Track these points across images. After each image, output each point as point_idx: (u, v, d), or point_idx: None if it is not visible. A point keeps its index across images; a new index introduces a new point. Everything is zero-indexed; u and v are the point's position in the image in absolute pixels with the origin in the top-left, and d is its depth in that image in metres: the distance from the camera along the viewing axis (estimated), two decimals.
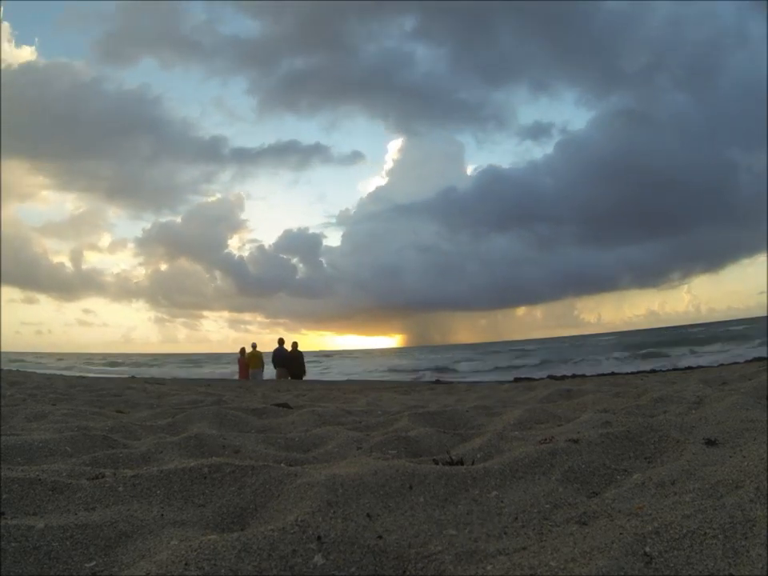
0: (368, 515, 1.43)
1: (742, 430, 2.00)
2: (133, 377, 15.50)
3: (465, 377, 20.49)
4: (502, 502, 1.53)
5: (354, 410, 4.30)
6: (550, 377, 12.59)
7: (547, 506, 1.49)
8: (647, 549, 1.10)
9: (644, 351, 27.43)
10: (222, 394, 6.53)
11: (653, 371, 12.31)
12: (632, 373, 12.13)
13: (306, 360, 15.36)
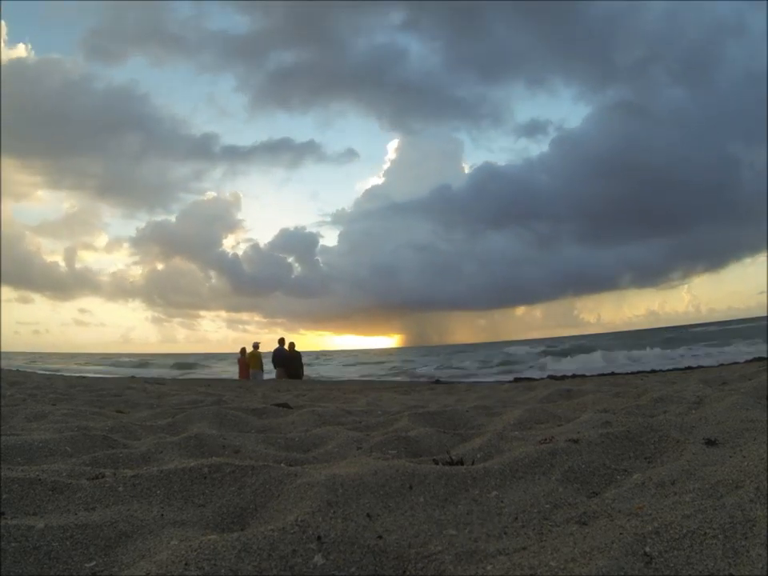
0: (368, 515, 1.43)
1: (742, 430, 2.00)
2: (133, 377, 15.50)
3: (465, 377, 20.47)
4: (501, 502, 1.53)
5: (353, 410, 4.30)
6: (550, 377, 12.59)
7: (547, 506, 1.49)
8: (647, 549, 1.10)
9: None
10: (221, 393, 6.53)
11: (653, 371, 12.31)
12: (632, 373, 12.12)
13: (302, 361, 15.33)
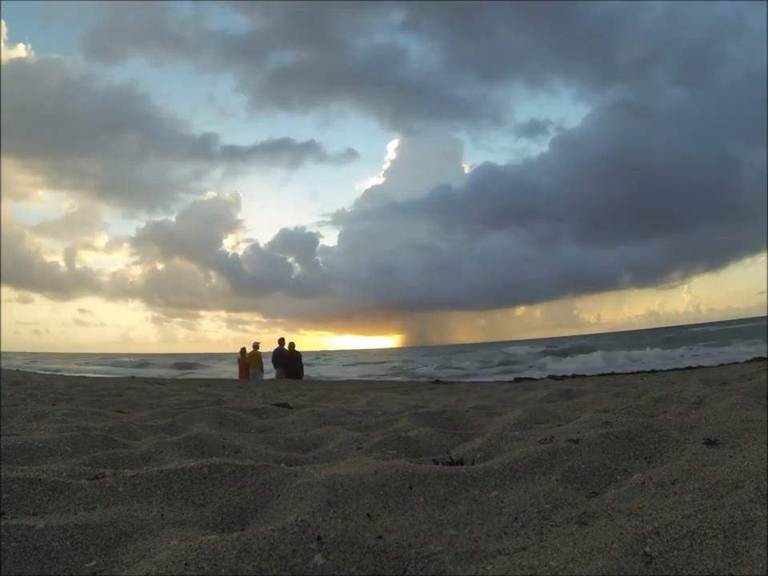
0: (368, 515, 1.43)
1: (742, 430, 2.00)
2: (133, 377, 15.50)
3: (465, 377, 20.46)
4: (501, 502, 1.53)
5: (353, 410, 4.30)
6: (550, 377, 12.60)
7: (547, 506, 1.49)
8: (647, 549, 1.10)
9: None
10: (221, 393, 6.53)
11: (653, 371, 12.31)
12: (632, 373, 12.12)
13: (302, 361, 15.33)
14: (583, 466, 1.78)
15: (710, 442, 1.88)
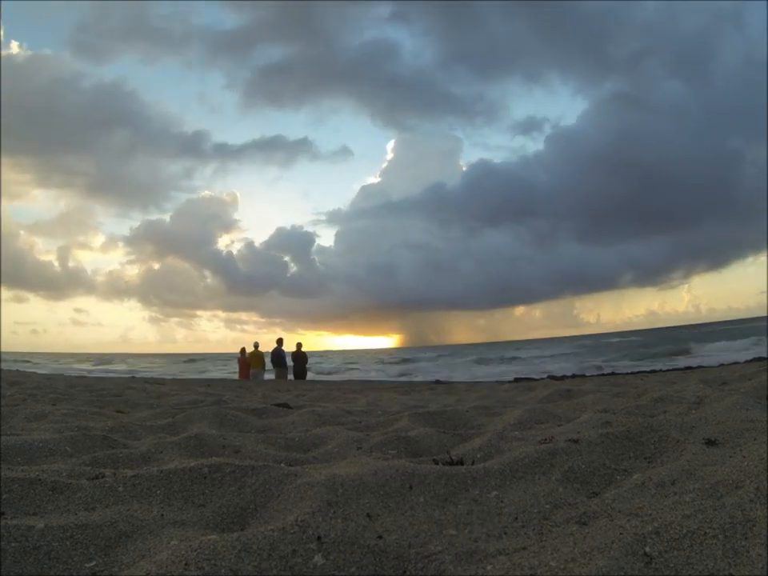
0: (368, 515, 1.43)
1: (742, 430, 2.00)
2: (133, 377, 15.50)
3: (465, 377, 20.45)
4: (501, 501, 1.53)
5: (353, 410, 4.30)
6: (550, 377, 12.60)
7: (547, 506, 1.49)
8: (647, 549, 1.10)
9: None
10: (221, 393, 6.53)
11: (653, 371, 12.31)
12: (632, 373, 12.13)
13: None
14: (583, 466, 1.78)
15: (710, 442, 1.88)
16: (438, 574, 1.16)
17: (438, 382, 14.67)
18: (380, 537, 1.31)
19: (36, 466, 2.00)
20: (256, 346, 15.02)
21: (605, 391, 4.71)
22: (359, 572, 1.16)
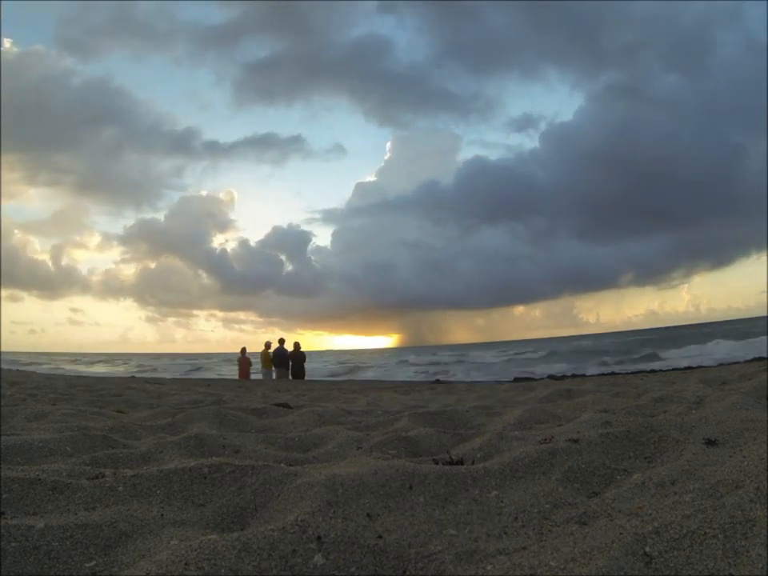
0: (368, 515, 1.43)
1: (742, 430, 2.00)
2: (133, 376, 15.51)
3: (465, 377, 20.44)
4: (501, 501, 1.53)
5: (353, 410, 4.30)
6: (550, 377, 12.61)
7: (547, 505, 1.49)
8: (647, 549, 1.10)
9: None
10: (221, 393, 6.53)
11: (653, 371, 12.32)
12: (632, 373, 12.13)
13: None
14: (583, 466, 1.78)
15: (710, 442, 1.88)
16: (437, 573, 1.16)
17: (437, 381, 14.67)
18: (380, 537, 1.31)
19: (36, 465, 2.00)
20: (267, 346, 14.99)
21: (605, 391, 4.71)
22: (359, 572, 1.16)
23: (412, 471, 1.68)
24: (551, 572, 1.08)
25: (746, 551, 1.05)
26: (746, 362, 10.96)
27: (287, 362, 14.81)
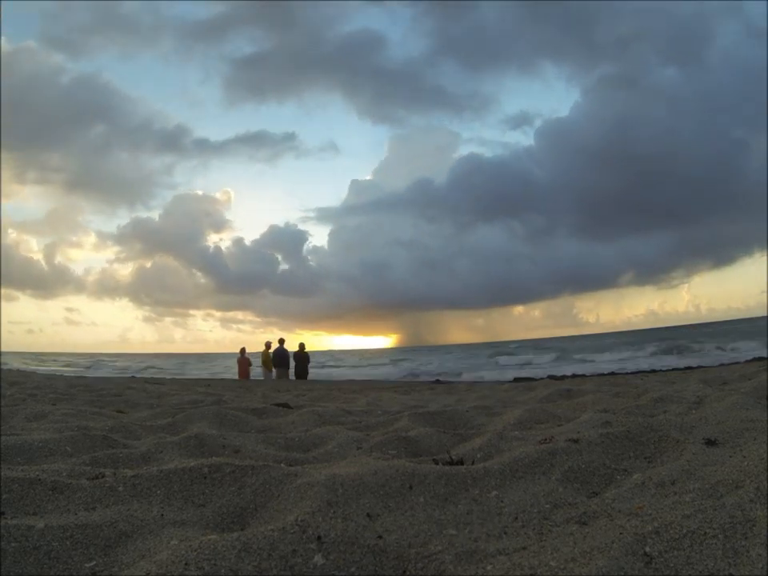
0: (368, 515, 1.43)
1: (742, 430, 2.00)
2: (133, 377, 15.51)
3: (465, 377, 20.43)
4: (502, 501, 1.53)
5: (353, 410, 4.30)
6: (550, 377, 12.61)
7: (547, 505, 1.49)
8: (647, 549, 1.10)
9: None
10: (221, 393, 6.53)
11: (653, 371, 12.32)
12: (632, 373, 12.14)
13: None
14: (583, 466, 1.78)
15: (710, 442, 1.88)
16: (437, 573, 1.16)
17: (438, 381, 14.67)
18: (380, 537, 1.31)
19: (36, 465, 2.00)
20: (268, 346, 15.00)
21: (605, 391, 4.71)
22: (359, 572, 1.16)
23: (412, 471, 1.68)
24: (551, 572, 1.08)
25: (745, 551, 1.05)
26: (746, 362, 10.96)
27: (287, 362, 14.83)
